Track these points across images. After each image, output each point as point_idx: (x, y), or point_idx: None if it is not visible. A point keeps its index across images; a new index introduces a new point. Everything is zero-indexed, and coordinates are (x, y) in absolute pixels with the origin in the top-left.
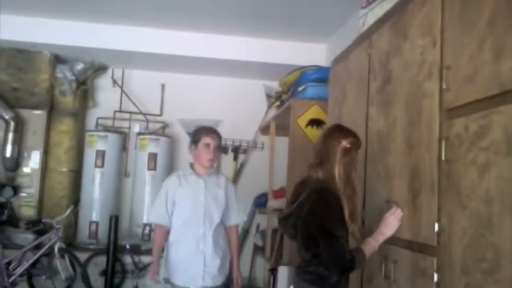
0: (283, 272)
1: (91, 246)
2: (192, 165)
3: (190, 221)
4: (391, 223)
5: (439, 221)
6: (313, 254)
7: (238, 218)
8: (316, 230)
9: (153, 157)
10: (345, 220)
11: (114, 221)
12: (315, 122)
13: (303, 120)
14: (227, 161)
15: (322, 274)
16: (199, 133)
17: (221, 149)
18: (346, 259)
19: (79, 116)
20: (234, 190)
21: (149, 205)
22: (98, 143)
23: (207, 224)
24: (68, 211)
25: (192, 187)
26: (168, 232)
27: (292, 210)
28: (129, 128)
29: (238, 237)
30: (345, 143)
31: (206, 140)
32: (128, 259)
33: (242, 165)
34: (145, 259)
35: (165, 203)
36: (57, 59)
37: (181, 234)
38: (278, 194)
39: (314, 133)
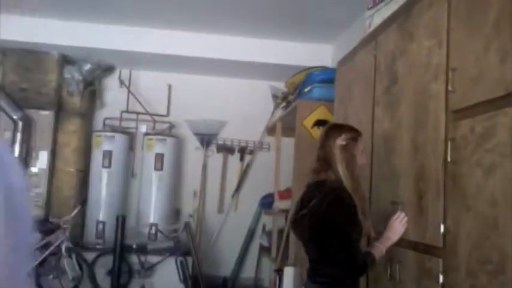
0: (289, 272)
1: (98, 246)
2: None
3: None
4: (397, 228)
5: (444, 222)
6: (327, 256)
7: None
8: (332, 231)
9: (159, 157)
10: (360, 219)
11: (121, 221)
12: (321, 123)
13: (309, 121)
14: (233, 162)
15: (337, 276)
16: None
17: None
18: (358, 263)
19: (86, 116)
20: None
21: (156, 205)
22: (105, 144)
23: None
24: (75, 211)
25: None
26: None
27: (306, 213)
28: (136, 128)
29: None
30: (339, 141)
31: None
32: (134, 259)
33: (248, 166)
34: (152, 259)
35: None
36: (65, 60)
37: None
38: (284, 194)
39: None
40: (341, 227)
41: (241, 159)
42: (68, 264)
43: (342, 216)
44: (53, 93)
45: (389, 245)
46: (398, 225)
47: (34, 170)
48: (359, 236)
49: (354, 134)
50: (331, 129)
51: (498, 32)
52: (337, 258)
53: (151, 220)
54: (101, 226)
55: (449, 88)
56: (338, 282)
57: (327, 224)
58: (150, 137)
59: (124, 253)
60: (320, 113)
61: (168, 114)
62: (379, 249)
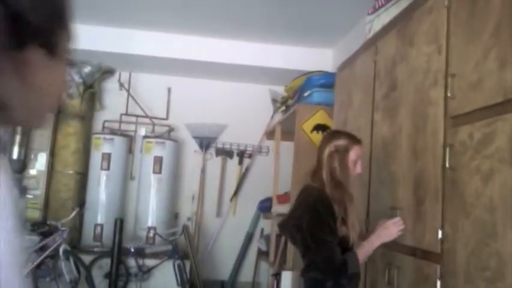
0: (286, 277)
1: (96, 249)
2: None
3: None
4: (391, 230)
5: (442, 228)
6: (309, 259)
7: None
8: (308, 235)
9: (158, 160)
10: (335, 226)
11: (119, 223)
12: (321, 128)
13: (308, 126)
14: (232, 165)
15: (318, 280)
16: None
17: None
18: (337, 263)
19: (86, 118)
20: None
21: (154, 208)
22: (104, 146)
23: None
24: (74, 213)
25: None
26: None
27: (288, 216)
28: (135, 131)
29: None
30: (328, 149)
31: None
32: (132, 262)
33: (247, 170)
34: (150, 262)
35: None
36: None
37: None
38: (283, 199)
39: (319, 138)
40: (314, 232)
41: (240, 163)
42: (66, 267)
43: (314, 222)
44: None
45: (377, 244)
46: (393, 228)
47: (33, 172)
48: (332, 239)
49: (347, 142)
50: (327, 135)
51: (497, 38)
52: (315, 261)
53: (150, 223)
54: (98, 229)
55: (449, 94)
56: (318, 286)
57: (301, 229)
58: (149, 139)
59: (122, 256)
60: (319, 117)
61: (167, 118)
62: (364, 249)
